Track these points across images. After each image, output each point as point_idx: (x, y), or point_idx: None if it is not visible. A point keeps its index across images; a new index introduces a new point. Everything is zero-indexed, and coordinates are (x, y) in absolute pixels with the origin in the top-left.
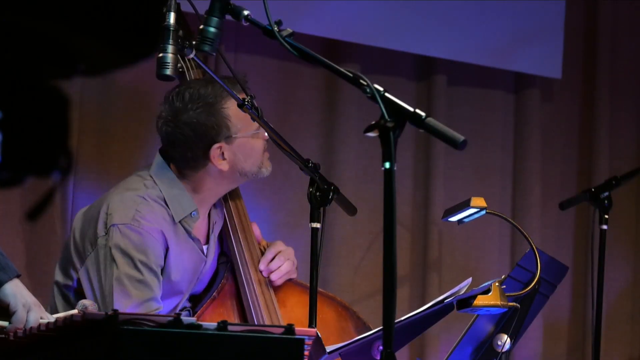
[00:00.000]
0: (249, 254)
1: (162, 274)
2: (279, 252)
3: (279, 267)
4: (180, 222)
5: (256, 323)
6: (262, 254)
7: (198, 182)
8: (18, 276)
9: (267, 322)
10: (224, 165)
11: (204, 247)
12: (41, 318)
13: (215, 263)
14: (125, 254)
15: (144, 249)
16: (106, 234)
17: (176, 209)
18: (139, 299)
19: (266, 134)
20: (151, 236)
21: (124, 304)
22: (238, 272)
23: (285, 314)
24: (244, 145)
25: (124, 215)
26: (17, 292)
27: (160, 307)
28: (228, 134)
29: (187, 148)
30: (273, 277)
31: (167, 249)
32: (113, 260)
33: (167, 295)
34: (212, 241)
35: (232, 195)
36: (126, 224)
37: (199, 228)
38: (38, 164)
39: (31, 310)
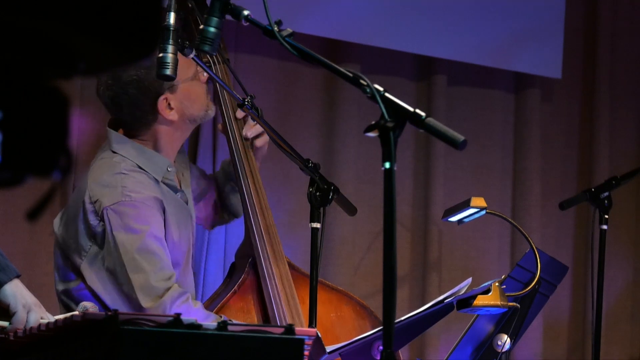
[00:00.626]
0: (271, 249)
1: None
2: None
3: (261, 132)
4: (162, 181)
5: (277, 318)
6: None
7: (154, 139)
8: (18, 276)
9: (287, 318)
10: (173, 115)
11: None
12: (42, 318)
13: (201, 210)
14: (129, 229)
15: (145, 219)
16: (100, 220)
17: (154, 169)
18: (153, 270)
19: (204, 74)
20: (147, 205)
21: (141, 280)
22: (260, 266)
23: (305, 310)
24: (187, 91)
25: (112, 196)
26: (17, 292)
27: (173, 273)
28: (170, 83)
29: (134, 107)
30: (257, 142)
31: (164, 211)
32: (116, 245)
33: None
34: (188, 193)
35: (260, 202)
36: (118, 202)
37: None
38: (38, 164)
39: (31, 311)
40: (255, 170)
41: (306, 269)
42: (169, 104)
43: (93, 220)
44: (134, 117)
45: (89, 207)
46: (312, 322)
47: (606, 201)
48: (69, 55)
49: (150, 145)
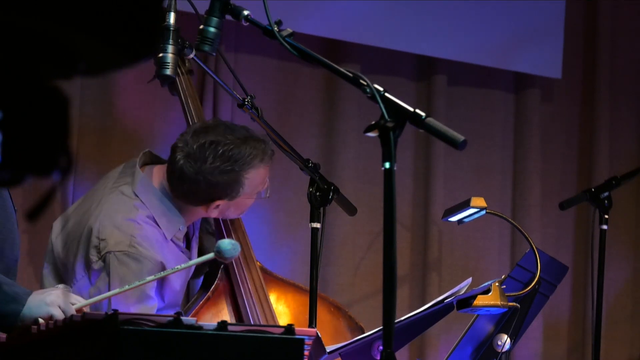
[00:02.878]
0: (242, 254)
1: (160, 291)
2: None
3: None
4: (171, 239)
5: (252, 322)
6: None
7: (185, 209)
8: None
9: (262, 321)
10: (213, 213)
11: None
12: (72, 303)
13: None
14: (124, 282)
15: (142, 276)
16: (99, 259)
17: (166, 226)
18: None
19: (264, 189)
20: (149, 262)
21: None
22: (232, 271)
23: (278, 313)
24: (240, 203)
25: (119, 242)
26: (34, 307)
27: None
28: (234, 195)
29: (193, 192)
30: None
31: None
32: (109, 285)
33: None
34: (194, 247)
35: None
36: (123, 252)
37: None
38: (38, 164)
39: (54, 306)
40: None
41: (306, 269)
42: (218, 205)
43: (94, 255)
44: (186, 196)
45: (94, 240)
46: (312, 322)
47: (606, 201)
48: (69, 55)
49: (176, 206)
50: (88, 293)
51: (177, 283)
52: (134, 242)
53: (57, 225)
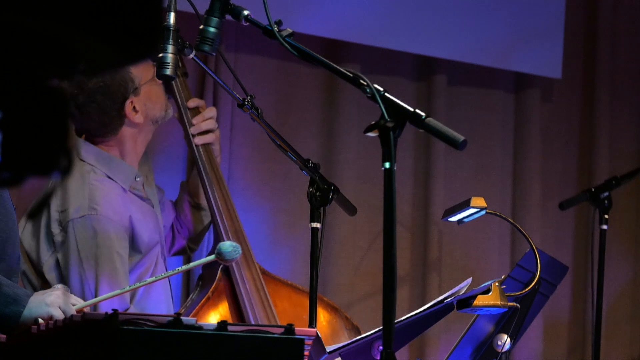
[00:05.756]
0: (242, 254)
1: (133, 244)
2: (212, 118)
3: (208, 130)
4: (129, 189)
5: (252, 322)
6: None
7: (119, 143)
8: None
9: (263, 320)
10: (138, 118)
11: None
12: (72, 304)
13: (167, 216)
14: (94, 245)
15: (110, 235)
16: (62, 231)
17: (122, 178)
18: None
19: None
20: (111, 220)
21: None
22: (232, 271)
23: (278, 313)
24: (149, 92)
25: (79, 207)
26: (34, 308)
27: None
28: (134, 86)
29: (102, 113)
30: (197, 140)
31: (131, 224)
32: (80, 259)
33: (144, 261)
34: (153, 195)
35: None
36: (84, 216)
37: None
38: (38, 164)
39: (54, 307)
40: (218, 170)
41: (306, 269)
42: (134, 107)
43: (55, 229)
44: (102, 123)
45: (54, 214)
46: (312, 322)
47: (606, 201)
48: (69, 55)
49: (116, 151)
50: (55, 270)
51: (145, 236)
52: (93, 203)
53: (22, 222)
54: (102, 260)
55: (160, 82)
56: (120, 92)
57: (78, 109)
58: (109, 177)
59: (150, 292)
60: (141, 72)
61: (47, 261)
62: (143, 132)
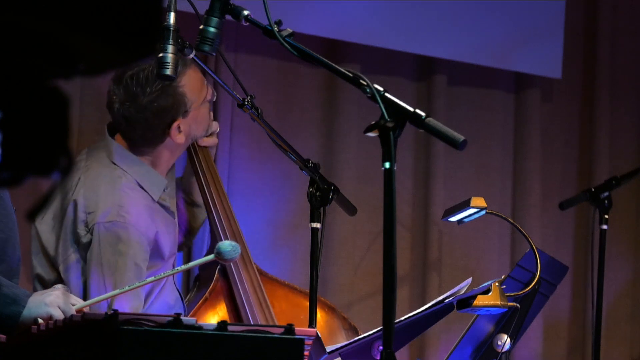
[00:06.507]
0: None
1: (153, 255)
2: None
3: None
4: (158, 201)
5: (251, 322)
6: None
7: (156, 157)
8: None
9: (261, 321)
10: (181, 139)
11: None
12: (72, 304)
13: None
14: (114, 251)
15: (133, 244)
16: (88, 232)
17: (151, 188)
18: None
19: (210, 93)
20: (137, 230)
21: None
22: (230, 272)
23: (275, 314)
24: (197, 115)
25: (107, 212)
26: (34, 308)
27: (142, 303)
28: (184, 109)
29: (147, 129)
30: (202, 142)
31: (156, 234)
32: (102, 264)
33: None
34: (173, 205)
35: (224, 209)
36: (112, 221)
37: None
38: (38, 164)
39: (53, 306)
40: (215, 171)
41: (306, 269)
42: (179, 128)
43: (82, 230)
44: (144, 137)
45: (81, 215)
46: (312, 322)
47: (606, 201)
48: (69, 55)
49: (148, 162)
50: (79, 270)
51: (166, 247)
52: (122, 210)
53: (38, 221)
54: (121, 268)
55: (208, 102)
56: (171, 115)
57: (125, 119)
58: (140, 185)
59: (162, 295)
60: (196, 96)
61: (67, 258)
62: (180, 149)
